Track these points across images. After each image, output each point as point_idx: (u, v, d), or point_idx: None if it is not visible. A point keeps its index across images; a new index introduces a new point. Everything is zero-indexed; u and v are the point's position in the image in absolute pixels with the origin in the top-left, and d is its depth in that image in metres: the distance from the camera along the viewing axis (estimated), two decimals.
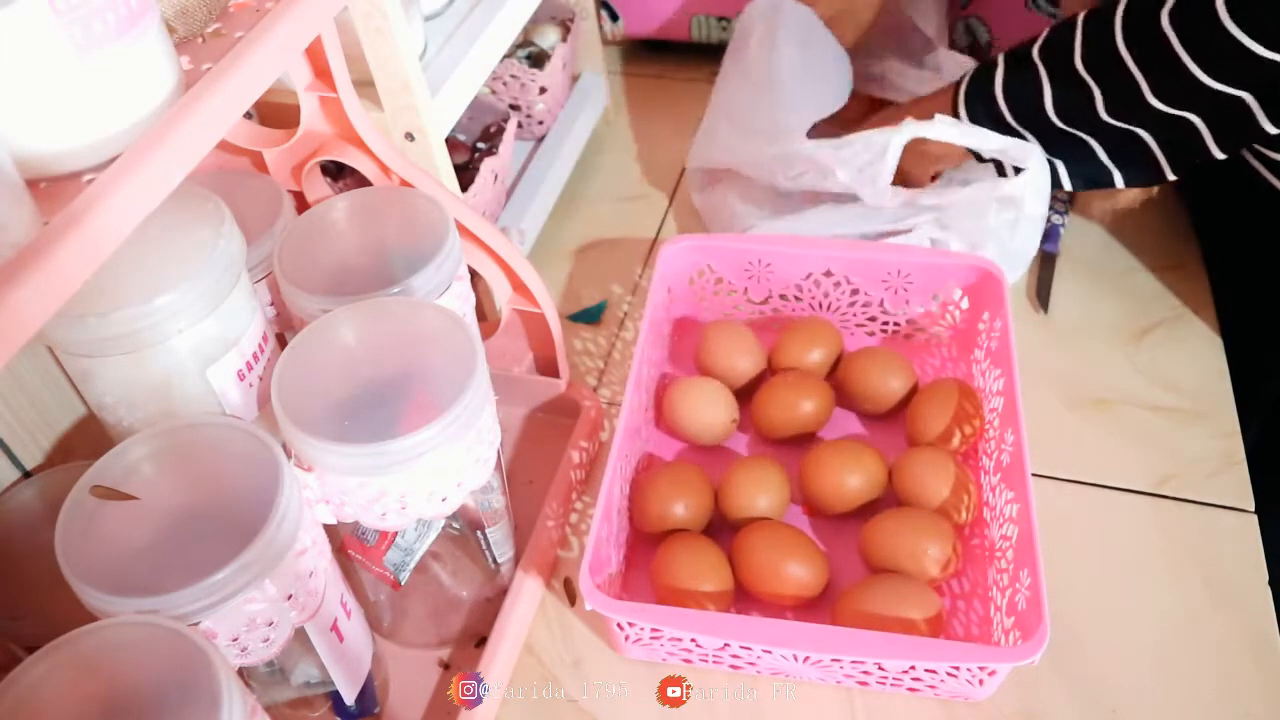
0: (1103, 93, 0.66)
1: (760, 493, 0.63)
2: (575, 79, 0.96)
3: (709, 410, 0.69)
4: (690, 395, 0.69)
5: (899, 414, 0.70)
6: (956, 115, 0.74)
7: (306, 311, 0.53)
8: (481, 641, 0.60)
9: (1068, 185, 0.73)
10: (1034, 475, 0.58)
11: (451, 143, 0.76)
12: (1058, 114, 0.69)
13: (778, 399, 0.69)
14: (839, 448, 0.66)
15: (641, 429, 0.68)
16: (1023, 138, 0.72)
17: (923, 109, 0.76)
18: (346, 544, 0.54)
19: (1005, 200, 0.71)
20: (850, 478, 0.64)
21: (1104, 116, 0.67)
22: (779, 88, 0.80)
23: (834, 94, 0.82)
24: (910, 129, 0.71)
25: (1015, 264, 0.75)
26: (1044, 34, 0.71)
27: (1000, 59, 0.73)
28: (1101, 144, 0.69)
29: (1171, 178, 0.69)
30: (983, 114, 0.73)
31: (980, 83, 0.73)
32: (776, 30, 0.83)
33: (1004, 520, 0.60)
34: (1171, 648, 0.59)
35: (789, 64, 0.81)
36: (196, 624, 0.40)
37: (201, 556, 0.40)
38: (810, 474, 0.65)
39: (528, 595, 0.62)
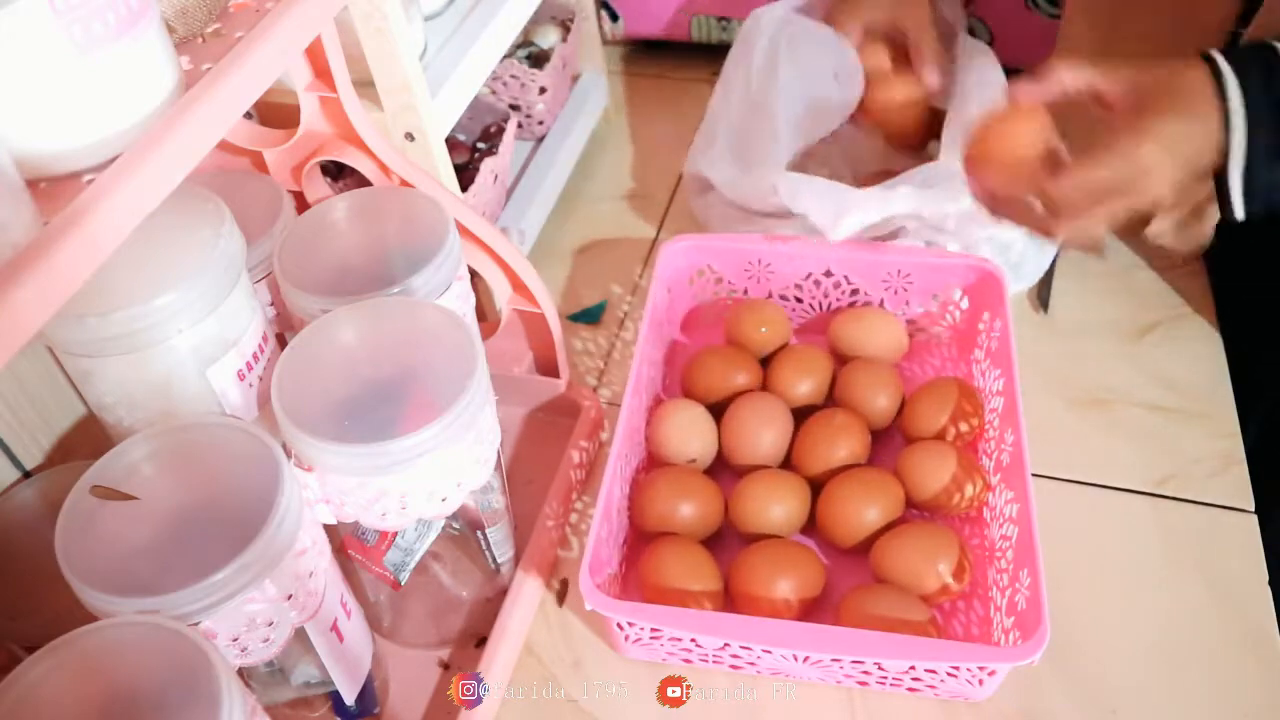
0: None
1: (775, 502, 0.63)
2: (575, 79, 0.96)
3: (679, 438, 0.67)
4: (667, 420, 0.67)
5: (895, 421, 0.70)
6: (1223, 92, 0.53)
7: (306, 311, 0.53)
8: (481, 641, 0.60)
9: None
10: (1034, 475, 0.58)
11: (451, 143, 0.76)
12: None
13: (818, 441, 0.66)
14: (859, 480, 0.63)
15: (641, 429, 0.68)
16: None
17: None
18: (346, 544, 0.54)
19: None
20: (869, 511, 0.61)
21: None
22: (771, 115, 0.79)
23: (828, 120, 0.81)
24: (885, 203, 0.69)
25: (1018, 276, 0.75)
26: None
27: None
28: None
29: None
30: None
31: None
32: (779, 48, 0.82)
33: (1004, 520, 0.60)
34: (1171, 648, 0.59)
35: (786, 89, 0.80)
36: (196, 624, 0.40)
37: (201, 556, 0.40)
38: (827, 507, 0.63)
39: (528, 595, 0.62)
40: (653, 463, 0.69)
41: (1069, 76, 0.57)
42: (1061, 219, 0.56)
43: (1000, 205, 0.59)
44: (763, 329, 0.72)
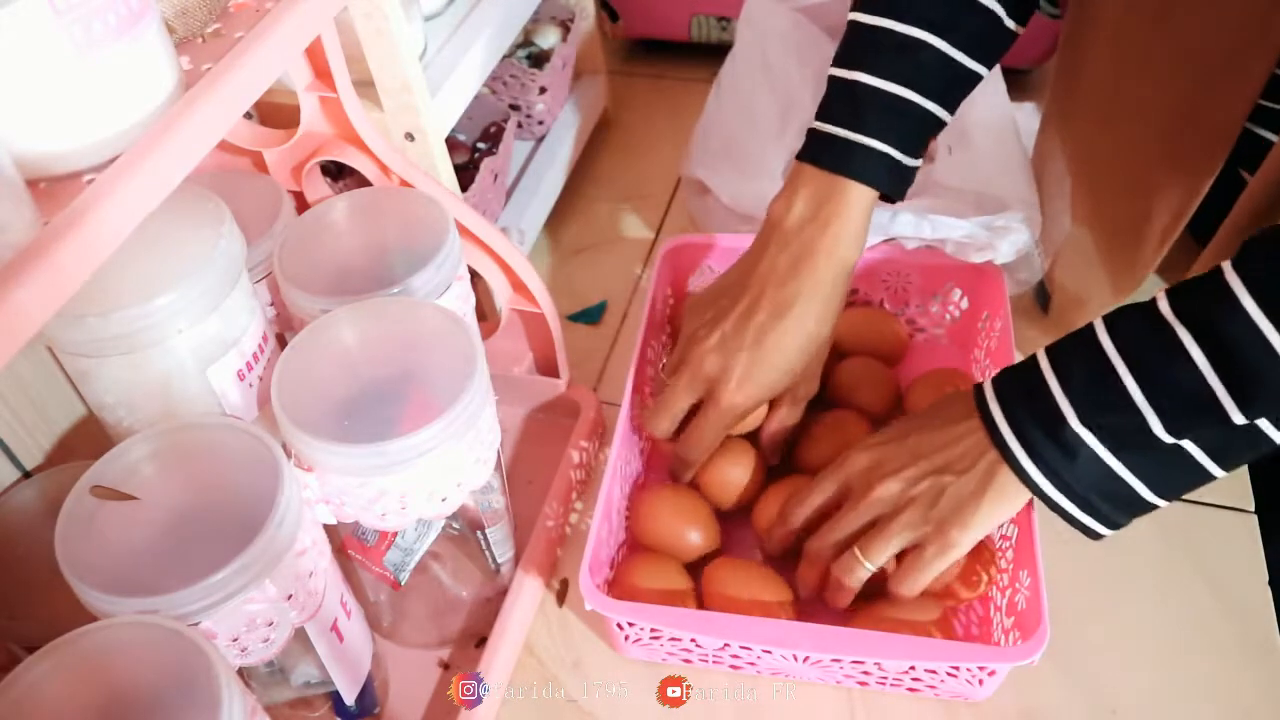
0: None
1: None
2: (575, 79, 0.96)
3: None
4: None
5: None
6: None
7: (306, 311, 0.53)
8: (481, 641, 0.60)
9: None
10: None
11: (451, 143, 0.76)
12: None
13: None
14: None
15: (641, 429, 0.68)
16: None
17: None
18: (346, 544, 0.54)
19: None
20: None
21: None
22: (763, 117, 0.79)
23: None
24: (885, 229, 0.69)
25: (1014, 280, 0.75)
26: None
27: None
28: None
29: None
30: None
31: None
32: (771, 47, 0.82)
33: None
34: (1171, 647, 0.59)
35: (776, 90, 0.80)
36: (196, 624, 0.40)
37: (201, 556, 0.40)
38: None
39: (528, 595, 0.62)
40: (654, 457, 0.69)
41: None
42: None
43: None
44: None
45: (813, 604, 0.59)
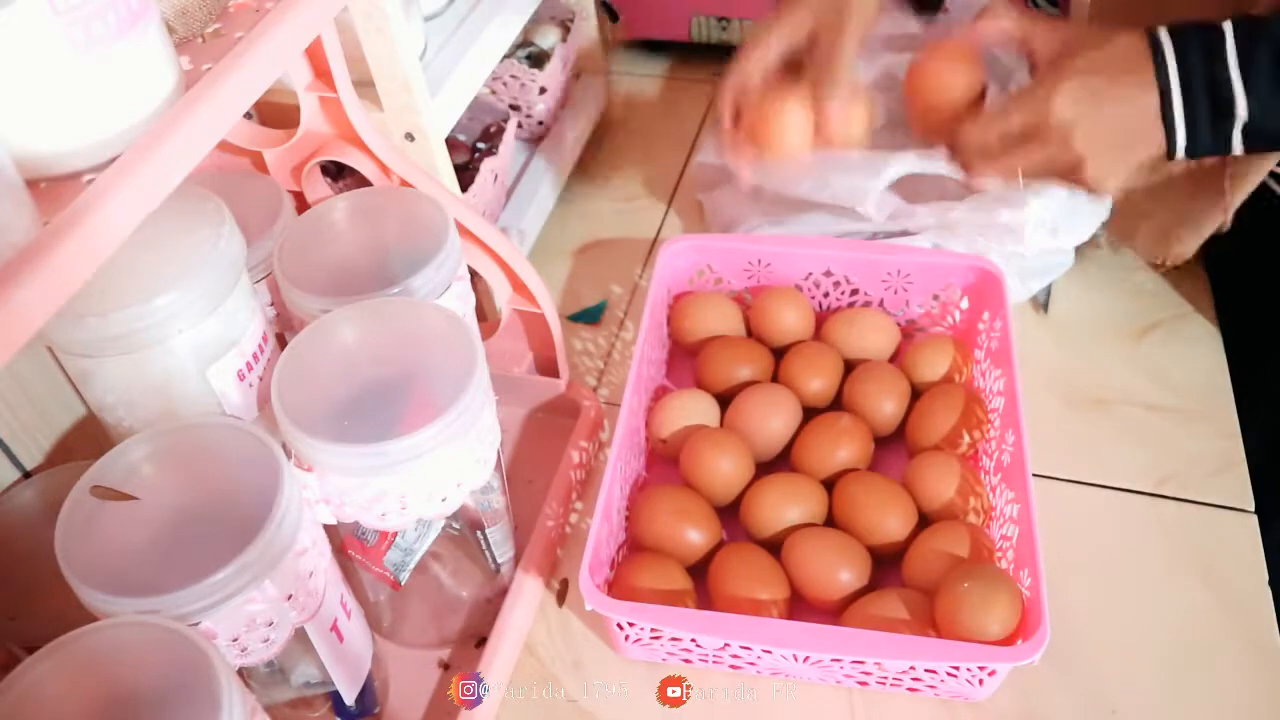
0: None
1: (793, 503, 0.62)
2: (575, 79, 0.96)
3: (681, 419, 0.67)
4: (671, 404, 0.68)
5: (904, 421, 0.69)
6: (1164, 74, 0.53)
7: (306, 311, 0.53)
8: (481, 641, 0.60)
9: None
10: (1034, 475, 0.58)
11: (451, 143, 0.76)
12: None
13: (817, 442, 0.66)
14: (872, 488, 0.63)
15: (641, 429, 0.68)
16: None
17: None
18: (346, 544, 0.54)
19: (1003, 229, 0.71)
20: (891, 520, 0.61)
21: None
22: None
23: None
24: (908, 165, 0.70)
25: (1028, 282, 0.75)
26: None
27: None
28: None
29: None
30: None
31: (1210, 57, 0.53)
32: None
33: (1004, 520, 0.60)
34: (1171, 648, 0.59)
35: None
36: (196, 624, 0.40)
37: (201, 556, 0.40)
38: (847, 511, 0.63)
39: (528, 595, 0.62)
40: (654, 457, 0.69)
41: (1004, 24, 0.59)
42: (974, 161, 0.58)
43: (930, 135, 0.62)
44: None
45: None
